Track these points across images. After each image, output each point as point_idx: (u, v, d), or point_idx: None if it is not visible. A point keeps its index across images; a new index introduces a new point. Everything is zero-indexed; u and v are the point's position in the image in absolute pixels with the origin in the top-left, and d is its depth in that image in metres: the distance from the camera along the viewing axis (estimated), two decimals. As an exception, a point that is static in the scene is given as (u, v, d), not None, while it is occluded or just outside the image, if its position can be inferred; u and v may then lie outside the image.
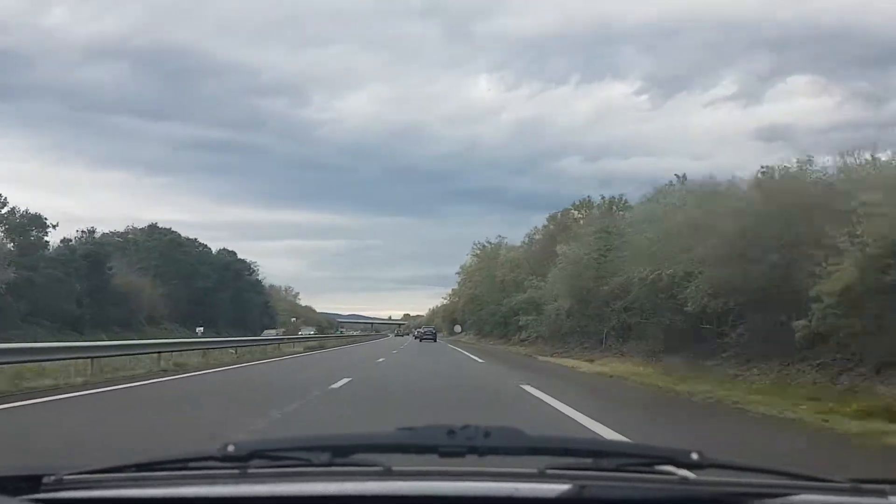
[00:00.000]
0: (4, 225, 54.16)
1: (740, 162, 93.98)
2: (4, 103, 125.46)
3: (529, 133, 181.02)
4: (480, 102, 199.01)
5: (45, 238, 57.24)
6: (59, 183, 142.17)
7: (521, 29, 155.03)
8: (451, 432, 1.28)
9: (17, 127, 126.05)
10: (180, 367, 17.55)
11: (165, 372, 16.08)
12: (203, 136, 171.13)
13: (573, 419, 8.34)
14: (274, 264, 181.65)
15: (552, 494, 1.22)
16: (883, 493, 1.30)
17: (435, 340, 66.87)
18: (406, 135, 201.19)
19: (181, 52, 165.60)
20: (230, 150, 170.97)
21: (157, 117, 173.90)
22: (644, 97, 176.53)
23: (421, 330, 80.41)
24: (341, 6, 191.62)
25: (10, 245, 53.12)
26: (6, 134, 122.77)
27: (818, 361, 13.22)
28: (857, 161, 14.42)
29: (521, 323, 39.52)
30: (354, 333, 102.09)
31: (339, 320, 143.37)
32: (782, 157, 20.87)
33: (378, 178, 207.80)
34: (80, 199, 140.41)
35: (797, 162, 16.72)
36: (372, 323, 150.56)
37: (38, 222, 55.86)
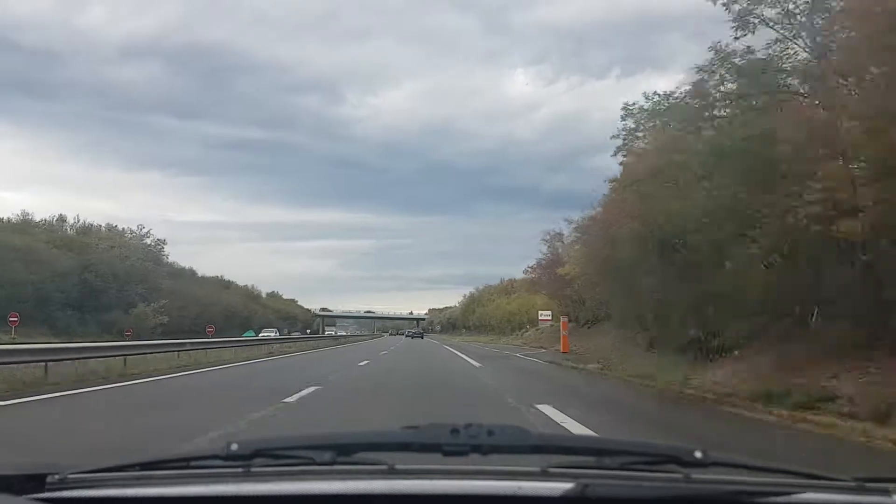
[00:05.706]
0: None
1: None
2: (39, 103, 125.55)
3: (566, 129, 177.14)
4: (517, 98, 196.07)
5: None
6: (94, 183, 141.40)
7: (561, 20, 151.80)
8: (454, 431, 1.28)
9: (52, 126, 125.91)
10: None
11: None
12: (236, 135, 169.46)
13: None
14: (304, 265, 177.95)
15: (555, 493, 1.22)
16: (887, 492, 1.30)
17: (422, 338, 76.73)
18: (440, 132, 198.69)
19: (215, 50, 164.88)
20: (262, 148, 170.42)
21: (190, 116, 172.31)
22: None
23: (411, 331, 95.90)
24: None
25: None
26: (43, 135, 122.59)
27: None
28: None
29: None
30: (344, 334, 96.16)
31: (369, 317, 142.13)
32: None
33: (410, 176, 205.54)
34: (116, 200, 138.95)
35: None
36: (374, 320, 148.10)
37: None
